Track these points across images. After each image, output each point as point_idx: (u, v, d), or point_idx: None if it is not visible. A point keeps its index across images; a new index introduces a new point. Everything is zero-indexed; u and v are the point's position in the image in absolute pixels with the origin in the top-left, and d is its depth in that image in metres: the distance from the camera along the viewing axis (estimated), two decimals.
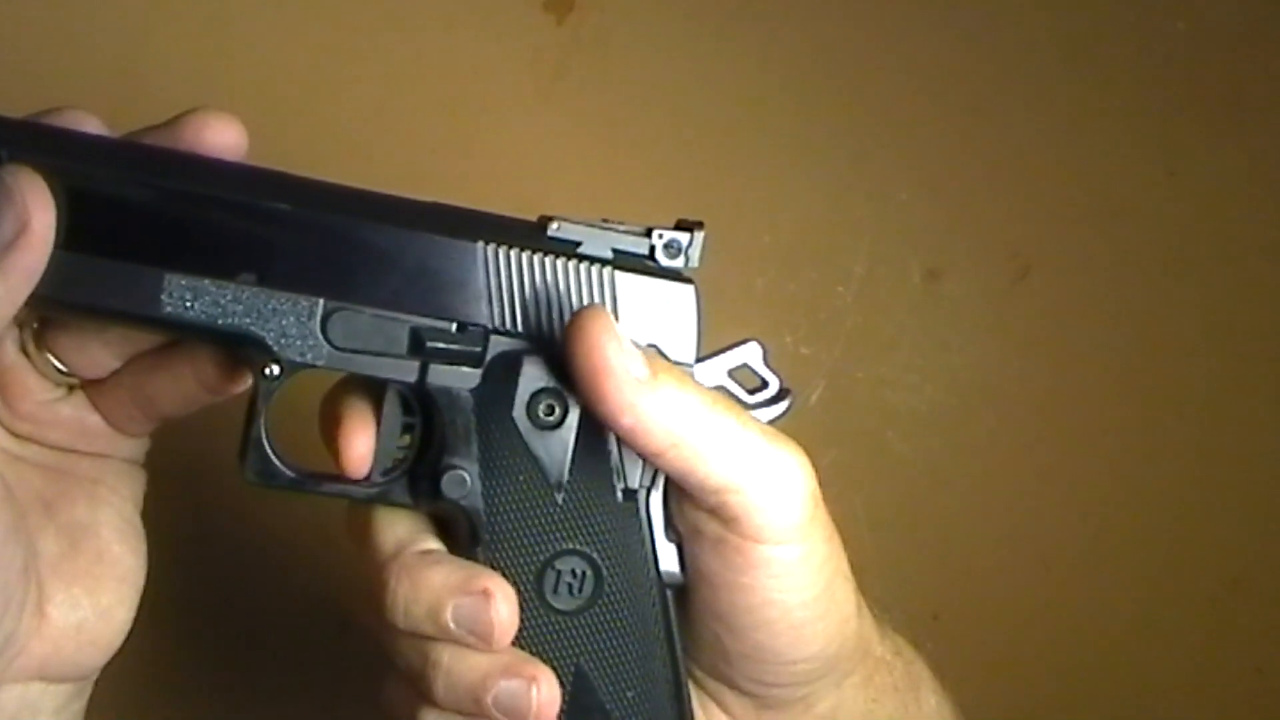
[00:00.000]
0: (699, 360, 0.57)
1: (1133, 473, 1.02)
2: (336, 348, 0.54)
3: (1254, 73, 1.00)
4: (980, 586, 1.01)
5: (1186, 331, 1.01)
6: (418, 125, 0.91)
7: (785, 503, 0.54)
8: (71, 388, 0.58)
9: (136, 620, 0.59)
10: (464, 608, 0.53)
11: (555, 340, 0.55)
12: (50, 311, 0.55)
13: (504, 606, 0.53)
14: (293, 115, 0.87)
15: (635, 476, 0.56)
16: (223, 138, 0.54)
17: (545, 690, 0.54)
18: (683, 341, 0.57)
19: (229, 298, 0.53)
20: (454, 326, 0.55)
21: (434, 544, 0.56)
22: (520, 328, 0.55)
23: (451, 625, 0.53)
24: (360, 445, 0.56)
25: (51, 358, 0.57)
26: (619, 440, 0.55)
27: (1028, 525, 1.01)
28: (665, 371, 0.54)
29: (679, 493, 0.56)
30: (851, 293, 0.98)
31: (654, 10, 0.94)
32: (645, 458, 0.55)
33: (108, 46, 0.86)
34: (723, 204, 0.93)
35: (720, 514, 0.55)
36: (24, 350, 0.57)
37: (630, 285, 0.56)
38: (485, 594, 0.53)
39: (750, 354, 0.58)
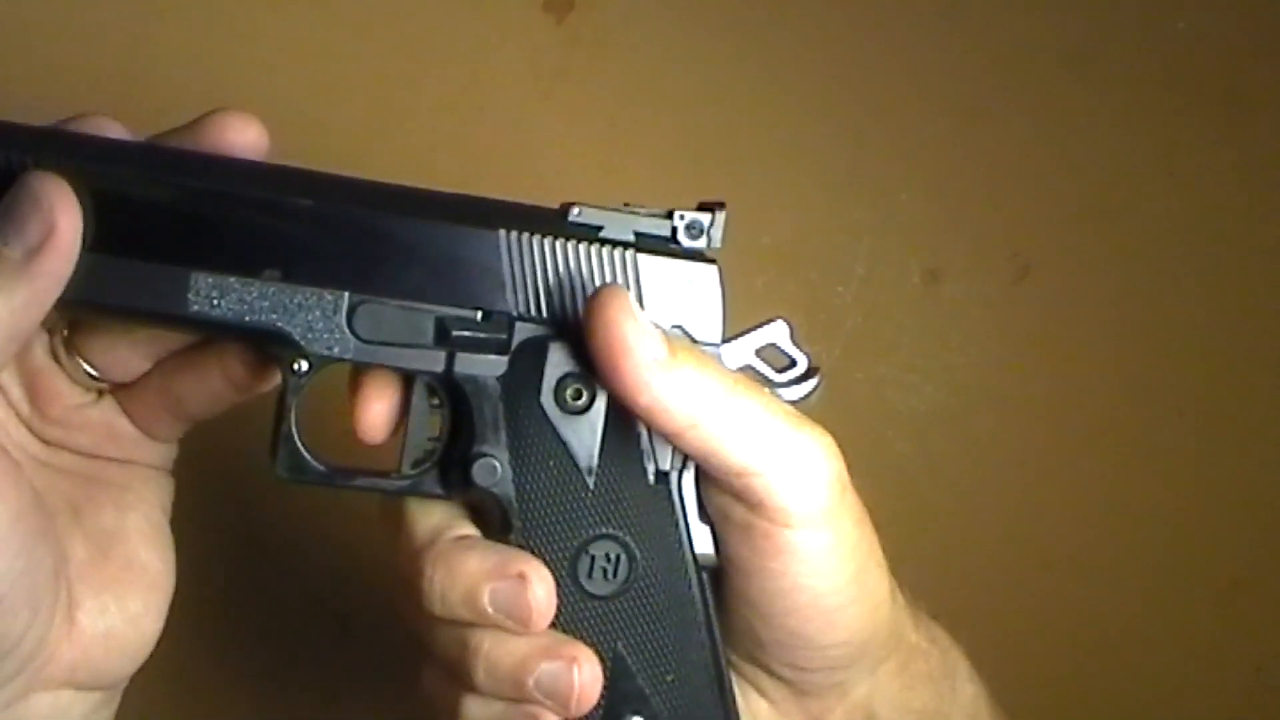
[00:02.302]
0: (725, 340, 0.57)
1: (1133, 472, 1.02)
2: (363, 340, 0.54)
3: (1254, 73, 1.00)
4: (980, 586, 1.01)
5: (1187, 331, 1.01)
6: (418, 125, 0.91)
7: (809, 487, 0.54)
8: (101, 393, 0.58)
9: None
10: (500, 592, 0.53)
11: (580, 324, 0.55)
12: (79, 314, 0.56)
13: (540, 589, 0.54)
14: (293, 115, 0.87)
15: (666, 458, 0.56)
16: (243, 137, 0.55)
17: (587, 671, 0.54)
18: (708, 322, 0.57)
19: (255, 294, 0.54)
20: (479, 315, 0.55)
21: (469, 530, 0.56)
22: (545, 313, 0.55)
23: (489, 610, 0.53)
24: (374, 411, 0.56)
25: (81, 362, 0.57)
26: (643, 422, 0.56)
27: (1028, 525, 1.01)
28: (685, 352, 0.54)
29: (706, 477, 0.56)
30: (851, 293, 0.98)
31: (654, 10, 0.94)
32: (666, 438, 0.55)
33: (107, 48, 0.86)
34: None
35: (744, 498, 0.55)
36: (54, 355, 0.57)
37: (653, 267, 0.56)
38: (521, 578, 0.53)
39: (777, 333, 0.58)
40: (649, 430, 0.56)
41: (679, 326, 0.56)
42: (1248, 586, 1.03)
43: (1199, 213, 1.00)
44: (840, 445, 0.57)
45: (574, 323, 0.55)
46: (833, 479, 0.55)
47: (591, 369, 0.54)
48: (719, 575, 0.58)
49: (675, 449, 0.56)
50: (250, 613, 0.91)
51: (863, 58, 0.97)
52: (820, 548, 0.55)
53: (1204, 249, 1.01)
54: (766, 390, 0.56)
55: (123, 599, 0.57)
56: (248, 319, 0.54)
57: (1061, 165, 0.99)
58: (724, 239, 0.58)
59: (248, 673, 0.92)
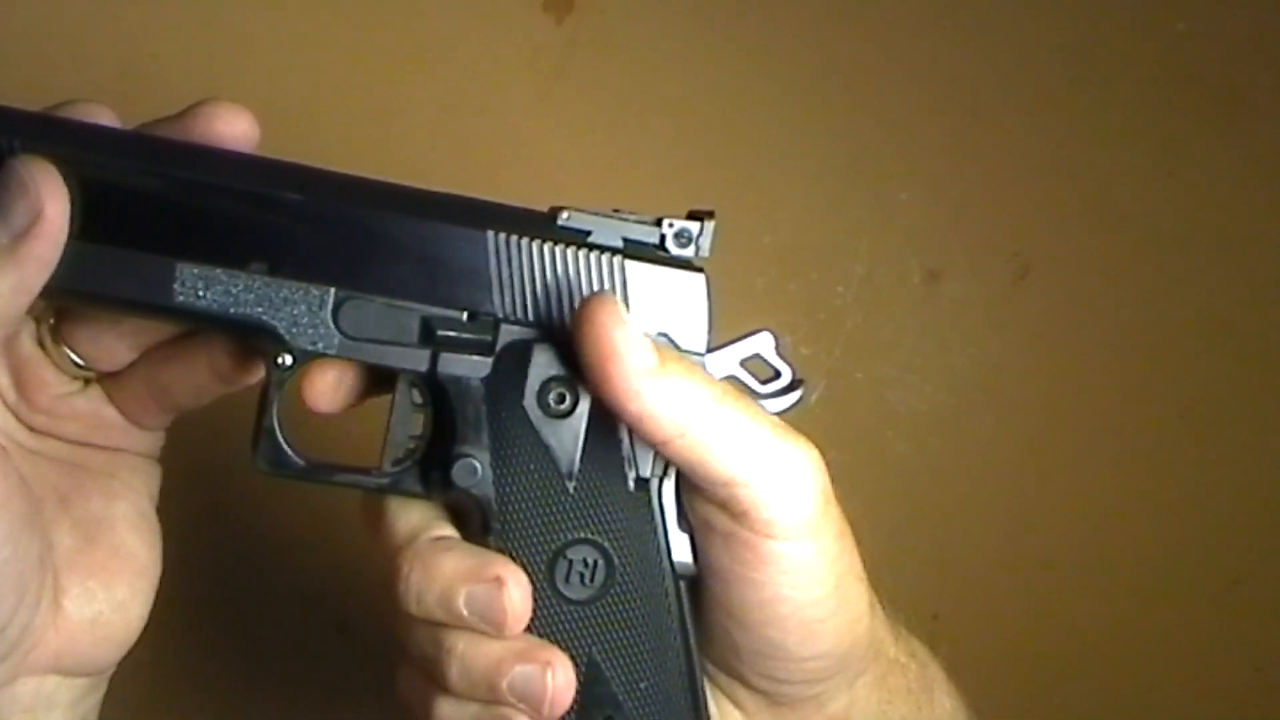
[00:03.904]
0: (710, 350, 0.57)
1: (1133, 472, 1.02)
2: (348, 337, 0.54)
3: (1254, 73, 1.00)
4: (980, 586, 1.01)
5: (1186, 331, 1.01)
6: (418, 125, 0.91)
7: (794, 498, 0.54)
8: (87, 381, 0.58)
9: None
10: (476, 594, 0.53)
11: (566, 329, 0.55)
12: (64, 301, 0.56)
13: (516, 593, 0.53)
14: (292, 115, 0.87)
15: (647, 465, 0.56)
16: (233, 129, 0.55)
17: (561, 676, 0.54)
18: (694, 331, 0.57)
19: (240, 287, 0.54)
20: (464, 315, 0.55)
21: (448, 531, 0.56)
22: (530, 316, 0.55)
23: (464, 612, 0.53)
24: (323, 375, 0.56)
25: (68, 351, 0.57)
26: (630, 429, 0.55)
27: (1028, 525, 1.01)
28: (674, 361, 0.53)
29: (689, 486, 0.56)
30: (851, 293, 0.98)
31: (654, 10, 0.94)
32: (652, 446, 0.54)
33: (107, 46, 0.86)
34: (722, 204, 0.93)
35: (729, 507, 0.54)
36: (41, 344, 0.57)
37: (641, 274, 0.56)
38: (497, 581, 0.53)
39: (762, 344, 0.58)
40: (632, 436, 0.56)
41: (664, 334, 0.56)
42: (1247, 586, 1.03)
43: (1199, 213, 1.00)
44: (840, 445, 0.56)
45: (559, 326, 0.55)
46: (818, 491, 0.55)
47: (579, 375, 0.54)
48: (698, 584, 0.57)
49: (658, 456, 0.56)
50: (247, 612, 0.91)
51: (863, 58, 0.97)
52: (803, 559, 0.55)
53: (1204, 249, 1.01)
54: (751, 399, 0.56)
55: (109, 586, 0.57)
56: (233, 311, 0.54)
57: (1061, 165, 0.99)
58: (713, 248, 0.57)
59: (244, 672, 0.92)
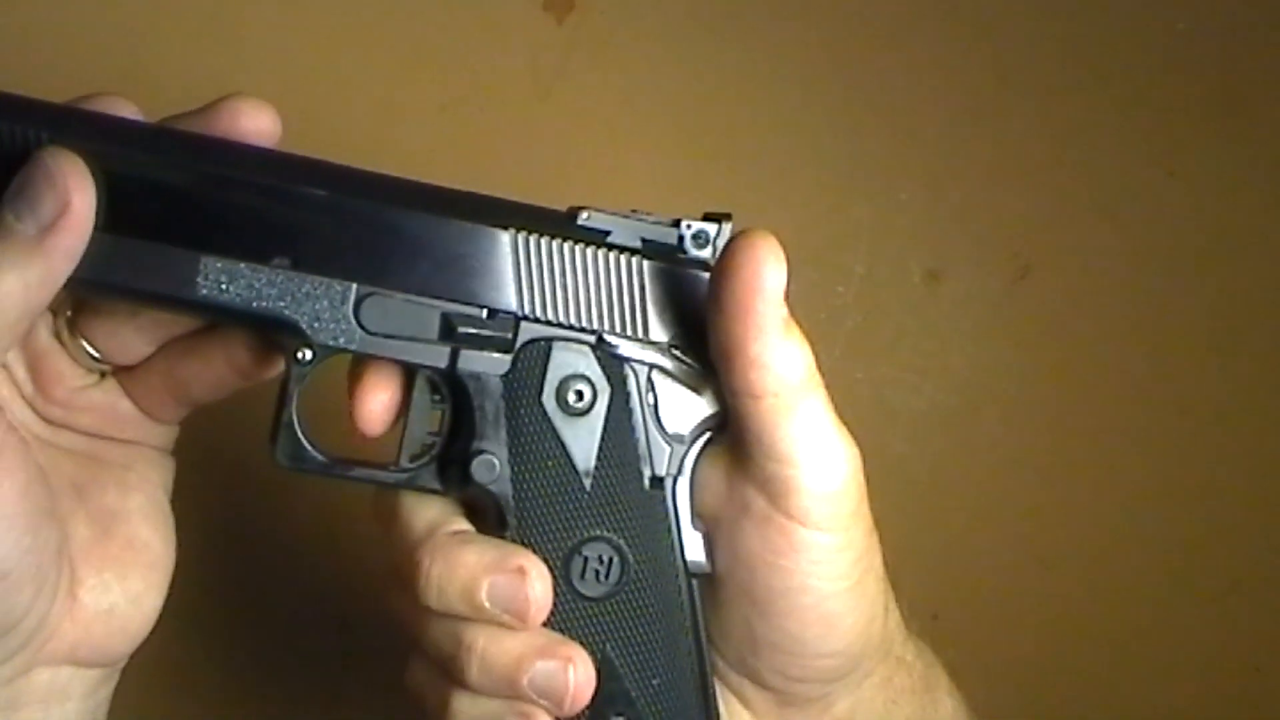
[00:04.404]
0: None
1: (1133, 473, 1.02)
2: (369, 332, 0.55)
3: (1254, 73, 1.00)
4: (980, 586, 1.01)
5: (1187, 331, 1.01)
6: (418, 125, 0.91)
7: (836, 490, 0.55)
8: (104, 374, 0.59)
9: None
10: (499, 585, 0.54)
11: (583, 328, 0.56)
12: (89, 294, 0.56)
13: (538, 584, 0.54)
14: (293, 115, 0.87)
15: (662, 464, 0.57)
16: (256, 124, 0.55)
17: (581, 671, 0.54)
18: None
19: (263, 281, 0.54)
20: (484, 312, 0.55)
21: (465, 525, 0.57)
22: (550, 314, 0.56)
23: (486, 604, 0.54)
24: (375, 401, 0.56)
25: (85, 344, 0.58)
26: (647, 428, 0.56)
27: (1028, 525, 1.01)
28: (796, 326, 0.54)
29: (735, 463, 0.56)
30: (851, 293, 0.98)
31: (654, 10, 0.94)
32: (741, 394, 0.55)
33: (107, 46, 0.86)
34: (722, 204, 0.93)
35: (771, 487, 0.55)
36: (58, 336, 0.57)
37: (658, 275, 0.57)
38: (520, 571, 0.54)
39: None
40: (648, 435, 0.56)
41: (681, 334, 0.57)
42: (1247, 587, 1.03)
43: (1199, 212, 1.00)
44: None
45: (578, 325, 0.56)
46: (855, 488, 0.56)
47: (594, 373, 0.55)
48: (719, 577, 0.58)
49: (673, 455, 0.57)
50: (250, 610, 0.91)
51: (863, 57, 0.97)
52: (831, 550, 0.56)
53: (1204, 248, 1.01)
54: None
55: (124, 577, 0.58)
56: (255, 305, 0.54)
57: (1061, 165, 0.99)
58: None
59: (247, 669, 0.92)
